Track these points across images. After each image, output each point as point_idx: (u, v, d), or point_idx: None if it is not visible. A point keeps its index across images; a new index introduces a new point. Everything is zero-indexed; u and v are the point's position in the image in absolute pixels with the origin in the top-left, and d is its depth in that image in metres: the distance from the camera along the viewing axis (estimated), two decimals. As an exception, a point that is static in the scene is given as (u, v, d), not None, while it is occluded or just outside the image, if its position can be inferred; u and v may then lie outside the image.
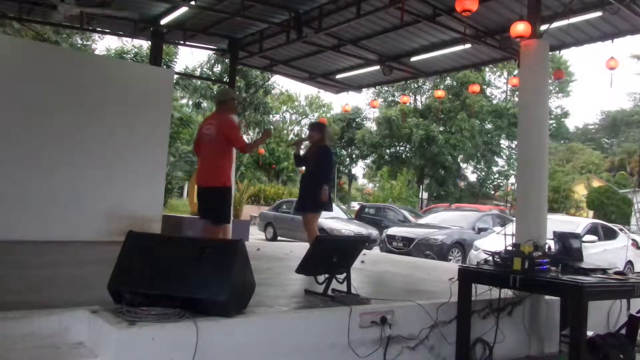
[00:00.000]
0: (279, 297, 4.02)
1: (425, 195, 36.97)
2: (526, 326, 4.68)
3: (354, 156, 42.14)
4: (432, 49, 9.31)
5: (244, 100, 26.15)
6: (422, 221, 14.83)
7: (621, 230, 12.98)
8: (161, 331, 2.78)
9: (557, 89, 41.16)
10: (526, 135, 5.52)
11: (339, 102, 72.17)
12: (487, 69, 34.45)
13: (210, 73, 26.91)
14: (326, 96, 43.65)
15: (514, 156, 34.92)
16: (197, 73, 26.69)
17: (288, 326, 3.34)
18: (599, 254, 9.24)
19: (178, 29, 9.90)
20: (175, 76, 19.32)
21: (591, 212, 28.00)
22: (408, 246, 11.99)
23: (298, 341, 3.33)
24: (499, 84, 39.15)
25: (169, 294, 2.99)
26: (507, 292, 4.46)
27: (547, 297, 4.77)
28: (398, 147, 37.45)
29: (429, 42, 9.15)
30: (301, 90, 48.62)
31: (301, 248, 6.36)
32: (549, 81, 10.07)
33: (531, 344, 4.72)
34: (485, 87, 36.29)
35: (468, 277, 4.24)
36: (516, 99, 29.49)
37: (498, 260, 4.12)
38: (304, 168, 6.42)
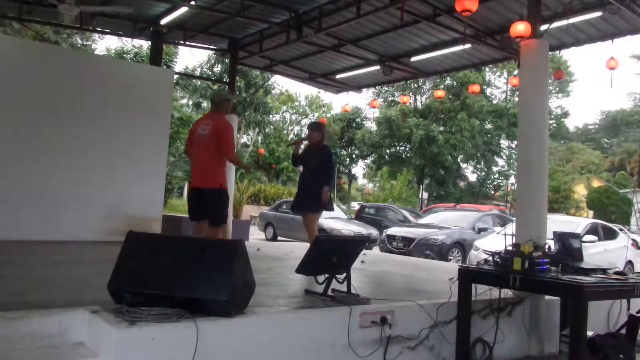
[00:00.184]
0: (279, 297, 4.02)
1: (425, 195, 36.96)
2: (526, 326, 4.68)
3: (354, 156, 42.14)
4: (432, 49, 9.31)
5: (244, 100, 26.16)
6: (422, 221, 14.82)
7: (621, 230, 12.98)
8: (161, 331, 2.78)
9: (557, 89, 41.15)
10: (526, 135, 5.52)
11: (339, 102, 72.26)
12: (487, 69, 34.45)
13: (210, 73, 26.95)
14: (326, 96, 43.70)
15: (514, 156, 34.93)
16: (197, 73, 26.75)
17: (288, 326, 3.34)
18: (599, 254, 9.24)
19: (178, 29, 9.90)
20: (175, 76, 19.35)
21: (591, 212, 28.00)
22: (408, 246, 11.98)
23: (298, 341, 3.33)
24: (499, 84, 39.20)
25: (169, 294, 2.99)
26: (507, 292, 4.45)
27: (547, 297, 4.77)
28: (398, 147, 37.45)
29: (429, 42, 9.15)
30: (301, 90, 48.65)
31: (301, 248, 6.36)
32: (549, 81, 10.07)
33: (531, 344, 4.72)
34: (485, 87, 36.29)
35: (468, 277, 4.24)
36: (516, 99, 29.50)
37: (498, 260, 4.12)
38: (301, 167, 6.40)
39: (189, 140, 5.63)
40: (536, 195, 5.28)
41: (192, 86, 25.90)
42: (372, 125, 39.49)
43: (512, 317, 4.56)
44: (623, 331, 4.72)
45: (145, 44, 20.86)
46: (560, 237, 4.72)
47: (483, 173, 38.51)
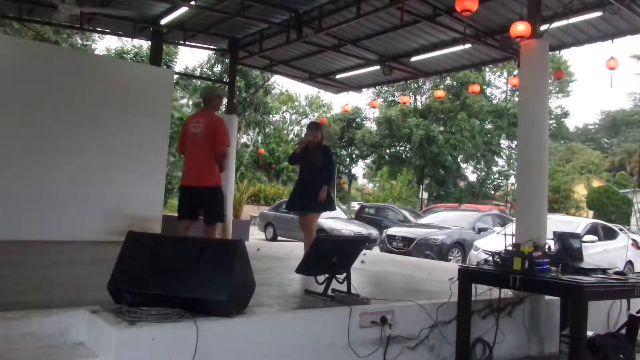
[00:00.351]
0: (279, 297, 4.02)
1: (425, 195, 36.95)
2: (526, 326, 4.68)
3: (354, 156, 42.11)
4: (432, 49, 9.31)
5: (243, 100, 26.15)
6: (422, 221, 14.82)
7: (621, 230, 12.98)
8: (161, 331, 2.78)
9: (557, 89, 41.14)
10: (526, 135, 5.52)
11: (339, 102, 72.19)
12: (487, 69, 34.44)
13: (210, 73, 26.94)
14: (326, 96, 43.64)
15: (514, 156, 34.91)
16: (197, 73, 26.73)
17: (288, 326, 3.35)
18: (599, 254, 9.24)
19: (178, 29, 9.90)
20: (175, 76, 19.36)
21: (591, 212, 27.99)
22: (408, 246, 11.98)
23: (298, 341, 3.34)
24: (499, 84, 39.18)
25: (169, 294, 2.99)
26: (507, 292, 4.45)
27: (547, 297, 4.76)
28: (398, 147, 37.44)
29: (429, 42, 9.15)
30: (301, 90, 48.58)
31: (301, 248, 6.36)
32: (549, 81, 10.07)
33: (531, 344, 4.72)
34: (485, 87, 36.28)
35: (468, 277, 4.24)
36: (516, 99, 29.49)
37: (498, 260, 4.12)
38: (296, 167, 6.43)
39: (181, 140, 5.56)
40: (536, 195, 5.28)
41: (192, 86, 25.89)
42: (372, 125, 39.49)
43: (512, 317, 4.56)
44: (623, 331, 4.72)
45: (145, 44, 20.89)
46: (560, 237, 4.72)
47: (483, 173, 38.50)
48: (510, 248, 4.16)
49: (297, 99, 43.18)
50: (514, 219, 5.94)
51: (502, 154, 38.59)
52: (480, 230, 12.25)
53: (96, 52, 23.70)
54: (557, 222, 9.21)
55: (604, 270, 4.25)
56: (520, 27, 5.67)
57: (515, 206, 6.63)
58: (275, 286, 4.62)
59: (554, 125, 42.05)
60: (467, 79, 31.75)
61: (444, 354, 4.06)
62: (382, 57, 10.00)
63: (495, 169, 38.77)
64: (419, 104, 38.41)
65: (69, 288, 4.03)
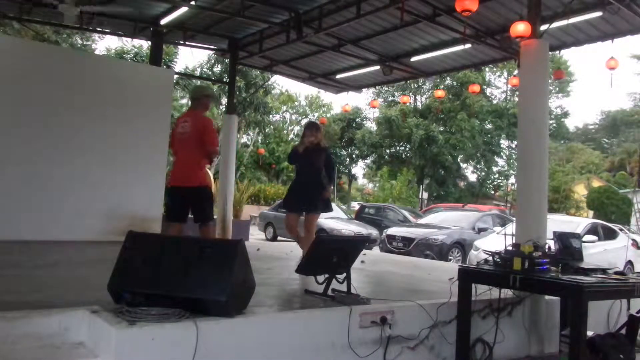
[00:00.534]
0: (279, 297, 4.02)
1: (425, 195, 36.95)
2: (526, 326, 4.68)
3: (354, 156, 42.10)
4: (432, 49, 9.31)
5: (243, 100, 26.14)
6: (422, 221, 14.83)
7: (621, 230, 12.98)
8: (161, 331, 2.78)
9: (557, 89, 41.14)
10: (526, 135, 5.52)
11: (339, 102, 72.23)
12: (487, 69, 34.46)
13: (210, 73, 26.91)
14: (326, 96, 43.60)
15: (514, 156, 34.91)
16: (197, 73, 26.69)
17: (288, 326, 3.34)
18: (599, 254, 9.25)
19: (178, 29, 9.90)
20: (175, 76, 19.34)
21: (591, 212, 27.98)
22: (408, 246, 11.99)
23: (298, 341, 3.33)
24: (499, 84, 39.20)
25: (169, 294, 2.99)
26: (507, 292, 4.45)
27: (547, 297, 4.77)
28: (398, 147, 37.44)
29: (429, 42, 9.15)
30: (301, 90, 48.61)
31: (295, 248, 6.35)
32: (549, 81, 10.08)
33: (531, 344, 4.72)
34: (485, 87, 36.28)
35: (468, 277, 4.23)
36: (516, 99, 29.47)
37: (498, 260, 4.11)
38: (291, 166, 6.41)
39: (171, 140, 5.55)
40: (536, 195, 5.28)
41: (192, 86, 25.86)
42: (372, 125, 39.49)
43: (512, 317, 4.56)
44: (623, 331, 4.72)
45: (145, 44, 20.88)
46: (560, 237, 4.72)
47: (483, 173, 38.50)
48: (510, 248, 4.16)
49: (297, 99, 43.16)
50: (514, 219, 5.94)
51: (502, 154, 38.59)
52: (480, 230, 12.26)
53: (96, 52, 23.71)
54: (557, 222, 9.21)
55: (604, 270, 4.24)
56: (520, 27, 5.67)
57: (515, 206, 6.63)
58: (275, 286, 4.62)
59: (554, 125, 42.05)
60: (467, 79, 31.75)
61: (444, 354, 4.06)
62: (382, 57, 10.00)
63: (495, 169, 38.78)
64: (419, 104, 38.41)
65: (69, 288, 4.03)
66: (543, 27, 5.85)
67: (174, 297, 2.98)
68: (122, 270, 3.10)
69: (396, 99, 36.80)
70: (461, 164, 37.84)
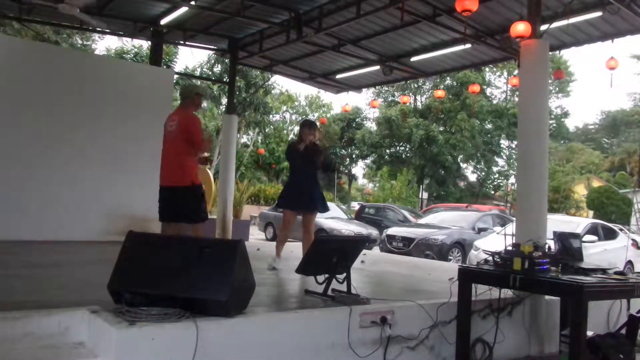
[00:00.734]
0: (279, 297, 4.02)
1: (425, 195, 36.96)
2: (526, 326, 4.68)
3: (354, 156, 42.10)
4: (432, 49, 9.31)
5: (243, 100, 26.14)
6: (422, 221, 14.83)
7: (621, 230, 12.97)
8: (161, 331, 2.78)
9: (557, 89, 41.11)
10: (526, 135, 5.52)
11: (339, 102, 72.20)
12: (487, 69, 34.44)
13: (210, 73, 26.91)
14: (326, 96, 43.59)
15: (514, 156, 34.90)
16: (197, 73, 26.70)
17: (288, 326, 3.35)
18: (599, 254, 9.25)
19: (178, 29, 9.90)
20: (175, 76, 19.33)
21: (591, 212, 27.98)
22: (408, 246, 11.99)
23: (298, 341, 3.34)
24: (499, 84, 39.18)
25: (169, 294, 2.99)
26: (507, 292, 4.45)
27: (547, 297, 4.77)
28: (398, 147, 37.45)
29: (429, 42, 9.14)
30: (301, 90, 48.56)
31: (301, 248, 6.35)
32: (549, 81, 10.07)
33: (531, 344, 4.72)
34: (485, 87, 36.27)
35: (468, 277, 4.24)
36: (516, 99, 29.46)
37: (498, 260, 4.12)
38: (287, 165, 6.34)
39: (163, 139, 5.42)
40: (536, 195, 5.28)
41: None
42: (372, 125, 39.49)
43: (512, 317, 4.56)
44: (623, 331, 4.72)
45: (145, 44, 20.90)
46: (560, 237, 4.72)
47: (483, 173, 38.50)
48: (510, 248, 4.16)
49: (297, 99, 43.18)
50: (514, 219, 5.94)
51: (502, 154, 38.59)
52: (480, 230, 12.26)
53: (96, 52, 23.71)
54: (557, 222, 9.21)
55: (604, 270, 4.25)
56: (520, 27, 5.66)
57: (515, 206, 6.63)
58: (275, 286, 4.63)
59: (554, 125, 42.04)
60: (467, 79, 31.75)
61: (444, 354, 4.06)
62: (382, 57, 10.00)
63: (495, 169, 38.78)
64: (419, 104, 38.42)
65: (69, 288, 4.04)
66: (543, 27, 5.85)
67: (174, 297, 2.98)
68: (122, 270, 3.10)
69: (396, 99, 36.80)
70: (461, 164, 37.85)
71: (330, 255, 3.90)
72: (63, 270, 5.23)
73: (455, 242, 11.92)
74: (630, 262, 10.25)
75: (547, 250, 4.39)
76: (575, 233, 5.74)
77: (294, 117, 43.56)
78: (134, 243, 3.24)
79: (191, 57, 77.42)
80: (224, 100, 25.36)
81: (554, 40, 7.89)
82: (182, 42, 10.60)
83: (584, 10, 7.06)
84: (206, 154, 5.70)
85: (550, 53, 7.38)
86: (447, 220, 13.38)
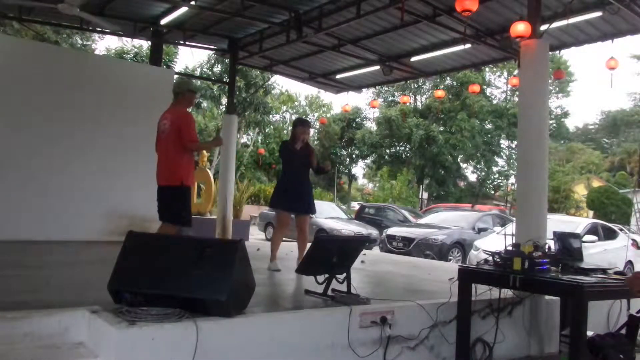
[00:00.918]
0: (279, 297, 4.02)
1: (425, 195, 36.95)
2: (526, 326, 4.68)
3: (354, 156, 42.10)
4: (432, 49, 9.31)
5: (243, 100, 26.14)
6: (422, 221, 14.83)
7: (621, 230, 12.98)
8: (161, 331, 2.78)
9: (557, 89, 41.09)
10: (526, 135, 5.52)
11: (339, 102, 72.24)
12: (487, 69, 34.41)
13: (210, 73, 26.91)
14: (326, 96, 43.68)
15: (514, 156, 34.88)
16: (197, 73, 26.69)
17: (288, 326, 3.35)
18: (599, 254, 9.25)
19: (178, 29, 9.90)
20: (175, 76, 19.32)
21: (591, 212, 27.97)
22: (408, 246, 11.99)
23: (298, 341, 3.34)
24: (499, 84, 39.14)
25: (169, 294, 2.99)
26: (507, 292, 4.45)
27: (547, 297, 4.77)
28: (398, 147, 37.43)
29: (429, 42, 9.15)
30: (301, 90, 48.62)
31: (297, 249, 6.34)
32: (549, 81, 10.07)
33: (531, 344, 4.72)
34: (485, 87, 36.23)
35: (468, 277, 4.24)
36: (516, 99, 29.46)
37: (498, 260, 4.12)
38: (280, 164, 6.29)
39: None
40: (536, 195, 5.28)
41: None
42: (372, 125, 39.47)
43: (512, 317, 4.57)
44: (623, 331, 4.72)
45: (145, 44, 20.89)
46: (560, 237, 4.72)
47: (483, 173, 38.48)
48: (510, 248, 4.16)
49: (297, 99, 43.21)
50: (514, 219, 5.94)
51: (502, 154, 38.57)
52: (480, 230, 12.26)
53: (96, 52, 23.71)
54: (557, 222, 9.21)
55: (604, 270, 4.25)
56: (520, 27, 5.66)
57: (515, 206, 6.63)
58: (275, 286, 4.62)
59: (554, 125, 42.02)
60: (467, 79, 31.72)
61: (444, 354, 4.06)
62: (382, 57, 10.00)
63: (495, 169, 38.74)
64: (419, 104, 38.40)
65: (69, 288, 4.04)
66: (543, 27, 5.85)
67: (174, 297, 2.98)
68: (122, 270, 3.10)
69: (396, 99, 36.77)
70: (461, 164, 37.82)
71: (330, 255, 3.90)
72: (63, 270, 5.23)
73: (455, 242, 11.92)
74: (630, 262, 10.25)
75: (547, 250, 4.39)
76: (575, 233, 5.74)
77: (294, 117, 43.57)
78: (134, 243, 3.24)
79: (191, 57, 77.41)
80: (224, 100, 25.35)
81: (554, 40, 7.89)
82: (182, 42, 10.60)
83: (584, 10, 7.06)
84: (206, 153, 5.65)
85: (550, 53, 7.39)
86: (447, 220, 13.38)
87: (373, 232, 14.54)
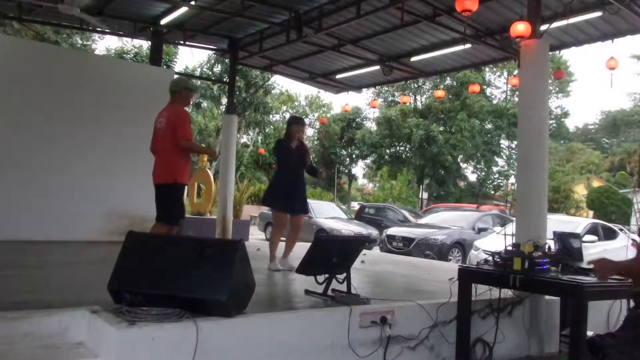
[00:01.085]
0: (279, 297, 4.02)
1: (425, 195, 36.95)
2: (526, 326, 4.68)
3: (354, 156, 42.10)
4: (432, 49, 9.31)
5: (243, 100, 26.14)
6: (422, 221, 14.83)
7: (621, 230, 12.97)
8: (161, 331, 2.78)
9: (557, 89, 41.09)
10: (526, 135, 5.52)
11: (339, 102, 72.24)
12: (487, 69, 34.42)
13: (210, 73, 26.92)
14: (326, 96, 43.66)
15: (514, 156, 34.89)
16: (197, 73, 26.70)
17: (288, 326, 3.35)
18: (599, 254, 9.23)
19: (178, 29, 9.90)
20: (175, 76, 19.33)
21: (591, 212, 27.96)
22: (408, 246, 11.99)
23: (298, 341, 3.33)
24: (499, 84, 39.15)
25: (169, 294, 2.99)
26: (507, 292, 4.46)
27: (547, 297, 4.77)
28: (398, 147, 37.43)
29: (429, 42, 9.15)
30: (301, 90, 48.62)
31: (301, 248, 6.33)
32: (549, 81, 10.07)
33: (531, 344, 4.72)
34: (485, 87, 36.24)
35: (468, 277, 4.23)
36: (516, 99, 29.46)
37: (498, 260, 4.11)
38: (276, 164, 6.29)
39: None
40: (536, 195, 5.28)
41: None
42: (372, 125, 39.48)
43: (512, 317, 4.57)
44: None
45: (145, 44, 20.89)
46: (560, 237, 4.71)
47: (483, 173, 38.48)
48: (510, 248, 4.16)
49: (297, 99, 43.18)
50: (514, 219, 5.94)
51: (502, 154, 38.57)
52: (480, 230, 12.26)
53: (96, 52, 23.71)
54: (557, 222, 9.21)
55: (603, 270, 4.23)
56: (520, 27, 5.66)
57: (515, 206, 6.63)
58: (275, 286, 4.62)
59: (554, 125, 42.02)
60: (467, 79, 31.72)
61: (444, 354, 4.06)
62: (382, 57, 10.00)
63: (495, 169, 38.74)
64: (419, 104, 38.40)
65: (69, 288, 4.04)
66: (543, 27, 5.85)
67: (174, 297, 2.98)
68: (122, 270, 3.10)
69: (396, 99, 36.78)
70: (461, 164, 37.82)
71: (330, 255, 3.90)
72: (63, 270, 5.23)
73: (455, 242, 11.93)
74: (630, 262, 10.22)
75: (547, 250, 4.39)
76: (575, 233, 5.73)
77: (293, 117, 43.48)
78: (134, 243, 3.24)
79: (191, 57, 77.41)
80: (224, 100, 25.35)
81: (554, 40, 7.89)
82: (182, 42, 10.60)
83: (584, 10, 7.06)
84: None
85: (550, 53, 7.38)
86: (447, 221, 13.38)
87: (373, 232, 14.54)
